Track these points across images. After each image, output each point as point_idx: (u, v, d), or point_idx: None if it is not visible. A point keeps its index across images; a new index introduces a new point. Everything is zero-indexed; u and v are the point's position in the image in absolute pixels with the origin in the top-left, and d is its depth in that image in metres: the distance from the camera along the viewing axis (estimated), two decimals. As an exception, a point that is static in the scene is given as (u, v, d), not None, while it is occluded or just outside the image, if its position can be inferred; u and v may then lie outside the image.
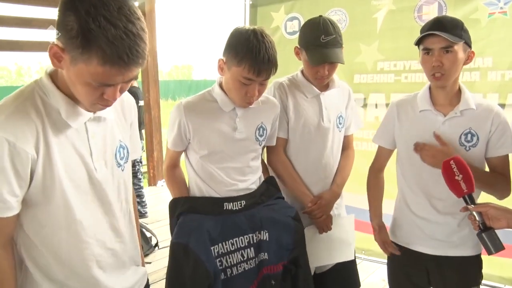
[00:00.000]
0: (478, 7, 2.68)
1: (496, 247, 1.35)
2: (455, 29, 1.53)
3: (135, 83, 4.99)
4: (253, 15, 3.73)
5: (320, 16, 1.83)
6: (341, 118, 1.96)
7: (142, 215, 5.02)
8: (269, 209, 1.67)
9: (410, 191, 1.72)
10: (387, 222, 1.88)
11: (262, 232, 1.61)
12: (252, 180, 1.70)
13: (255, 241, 1.60)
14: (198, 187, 1.66)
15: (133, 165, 4.98)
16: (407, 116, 1.72)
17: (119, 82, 0.99)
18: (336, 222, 1.95)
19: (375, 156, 1.89)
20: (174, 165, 1.75)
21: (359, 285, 2.09)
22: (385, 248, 1.83)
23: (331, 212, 1.94)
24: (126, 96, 1.29)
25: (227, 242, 1.56)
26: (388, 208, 1.88)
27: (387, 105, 3.08)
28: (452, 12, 2.75)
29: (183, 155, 1.74)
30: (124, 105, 1.28)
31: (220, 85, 1.64)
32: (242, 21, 3.71)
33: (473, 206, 1.39)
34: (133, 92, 4.87)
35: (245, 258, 1.58)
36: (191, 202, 1.64)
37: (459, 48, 1.54)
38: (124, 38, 0.91)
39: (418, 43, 1.59)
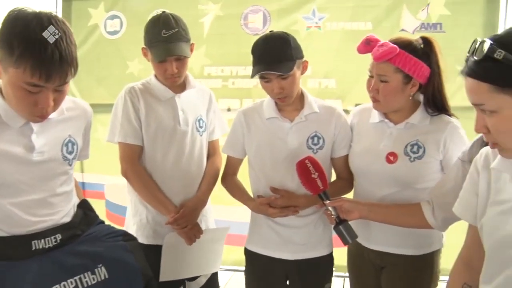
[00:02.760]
0: (298, 20, 2.88)
1: (351, 237, 1.46)
2: (285, 55, 1.54)
3: None
4: (67, 11, 3.29)
5: (163, 11, 1.74)
6: (201, 121, 1.85)
7: None
8: (93, 239, 1.36)
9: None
10: (242, 230, 1.83)
11: (96, 270, 1.27)
12: (64, 211, 1.33)
13: (86, 285, 1.25)
14: None
15: None
16: (255, 123, 1.72)
17: None
18: (210, 234, 1.84)
19: (225, 165, 1.84)
20: None
21: None
22: (265, 210, 1.64)
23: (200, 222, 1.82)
24: None
25: None
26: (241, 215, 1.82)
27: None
28: (275, 23, 2.89)
29: None
30: None
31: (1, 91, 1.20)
32: (54, 16, 3.25)
33: (329, 201, 1.47)
34: None
35: None
36: None
37: (295, 69, 1.57)
38: None
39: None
